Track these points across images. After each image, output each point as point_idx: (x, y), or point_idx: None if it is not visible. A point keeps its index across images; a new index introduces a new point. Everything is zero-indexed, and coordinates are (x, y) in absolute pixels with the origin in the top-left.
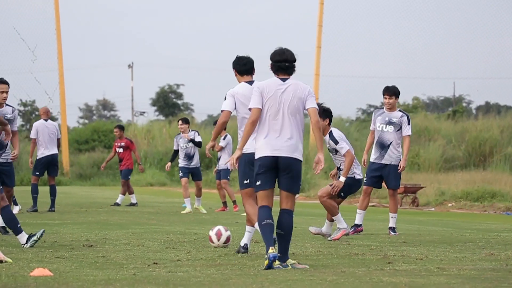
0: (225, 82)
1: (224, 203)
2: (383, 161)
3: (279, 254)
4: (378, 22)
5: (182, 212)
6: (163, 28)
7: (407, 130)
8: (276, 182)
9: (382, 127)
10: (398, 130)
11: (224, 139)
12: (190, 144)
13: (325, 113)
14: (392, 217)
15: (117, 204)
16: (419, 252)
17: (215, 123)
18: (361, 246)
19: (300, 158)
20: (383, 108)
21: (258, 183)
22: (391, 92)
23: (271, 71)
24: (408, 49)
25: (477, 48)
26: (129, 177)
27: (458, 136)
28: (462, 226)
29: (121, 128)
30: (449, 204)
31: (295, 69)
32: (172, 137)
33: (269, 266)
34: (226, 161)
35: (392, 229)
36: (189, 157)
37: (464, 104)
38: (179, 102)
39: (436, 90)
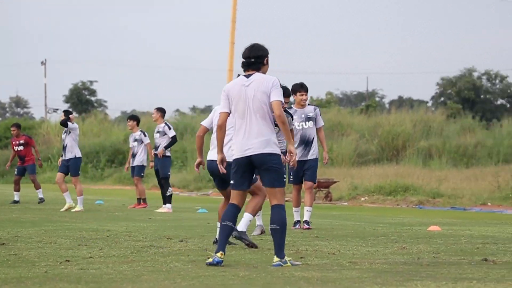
0: (139, 78)
1: (143, 199)
2: (308, 157)
3: (277, 260)
4: (292, 17)
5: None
6: (76, 24)
7: (321, 122)
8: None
9: (302, 124)
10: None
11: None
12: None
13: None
14: (307, 210)
15: (16, 202)
16: (332, 246)
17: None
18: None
19: (274, 151)
20: (291, 107)
21: (232, 182)
22: (306, 88)
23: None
24: (323, 45)
25: (390, 43)
26: (36, 171)
27: (371, 130)
28: (374, 220)
29: (18, 126)
30: (362, 199)
31: (264, 63)
32: (85, 134)
33: (210, 264)
34: (141, 158)
35: (307, 222)
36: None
37: (377, 99)
38: (93, 98)
39: (349, 85)
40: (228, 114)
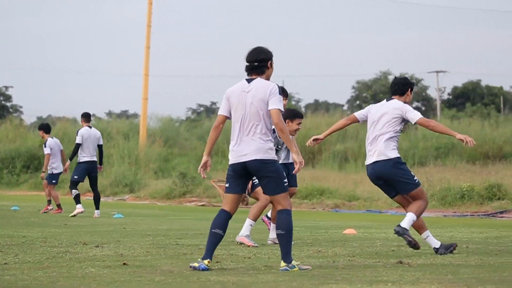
0: (53, 83)
1: (57, 205)
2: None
3: (284, 265)
4: (207, 21)
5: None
6: None
7: None
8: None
9: None
10: None
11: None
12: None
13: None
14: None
15: None
16: (247, 250)
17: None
18: (189, 246)
19: (270, 157)
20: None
21: (227, 185)
22: (286, 93)
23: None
24: (238, 48)
25: (305, 47)
26: None
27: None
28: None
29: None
30: None
31: (268, 67)
32: (0, 139)
33: (195, 268)
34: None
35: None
36: None
37: (293, 103)
38: (8, 104)
39: None
40: (226, 117)
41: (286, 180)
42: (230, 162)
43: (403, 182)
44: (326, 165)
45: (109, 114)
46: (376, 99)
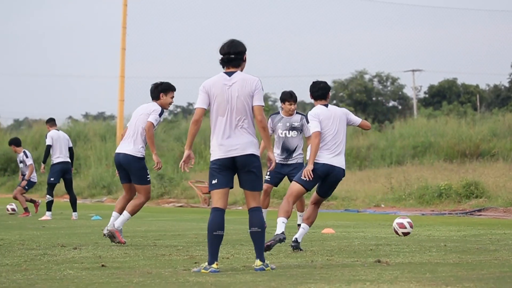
0: (30, 86)
1: (25, 208)
2: (288, 162)
3: (260, 264)
4: (183, 23)
5: None
6: None
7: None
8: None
9: (285, 133)
10: (300, 133)
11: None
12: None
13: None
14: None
15: None
16: (226, 251)
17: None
18: (167, 247)
19: (257, 153)
20: (279, 113)
21: (214, 181)
22: (295, 98)
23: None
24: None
25: (282, 47)
26: None
27: None
28: (269, 223)
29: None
30: None
31: (243, 59)
32: None
33: (197, 271)
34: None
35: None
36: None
37: (269, 103)
38: None
39: None
40: (205, 110)
41: (262, 177)
42: (217, 157)
43: None
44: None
45: (86, 116)
46: (352, 98)
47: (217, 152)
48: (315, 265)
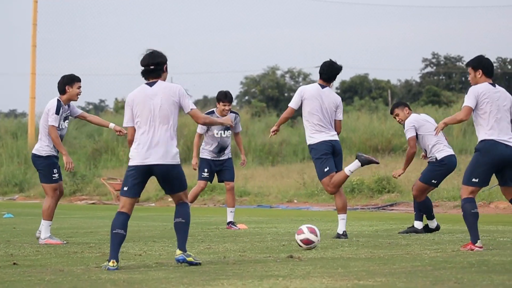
0: None
1: None
2: (221, 158)
3: (180, 255)
4: (93, 19)
5: None
6: None
7: (239, 127)
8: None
9: (221, 133)
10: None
11: None
12: None
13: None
14: (231, 211)
15: None
16: (139, 248)
17: None
18: (80, 244)
19: (175, 162)
20: (213, 112)
21: (125, 188)
22: (230, 99)
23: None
24: (126, 46)
25: (193, 43)
26: None
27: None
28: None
29: None
30: (169, 199)
31: (164, 70)
32: None
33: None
34: None
35: (232, 223)
36: None
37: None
38: None
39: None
40: (135, 128)
41: (185, 178)
42: (134, 164)
43: None
44: None
45: None
46: (264, 94)
47: (135, 158)
48: (228, 261)
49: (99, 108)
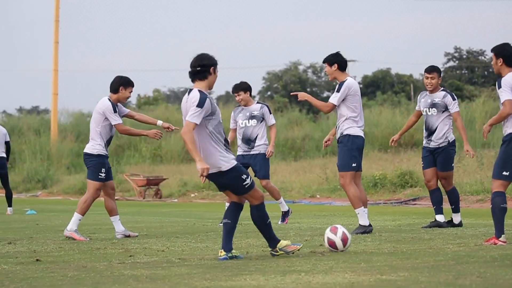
0: None
1: None
2: (251, 152)
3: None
4: (116, 15)
5: None
6: None
7: (271, 120)
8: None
9: (245, 122)
10: (261, 122)
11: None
12: None
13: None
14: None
15: None
16: (161, 243)
17: None
18: (103, 241)
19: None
20: (239, 106)
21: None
22: (241, 88)
23: None
24: (148, 42)
25: (214, 39)
26: None
27: None
28: (204, 216)
29: None
30: (192, 195)
31: (210, 72)
32: None
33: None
34: None
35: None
36: None
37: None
38: None
39: (176, 81)
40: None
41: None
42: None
43: None
44: None
45: (20, 110)
46: (287, 89)
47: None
48: (250, 256)
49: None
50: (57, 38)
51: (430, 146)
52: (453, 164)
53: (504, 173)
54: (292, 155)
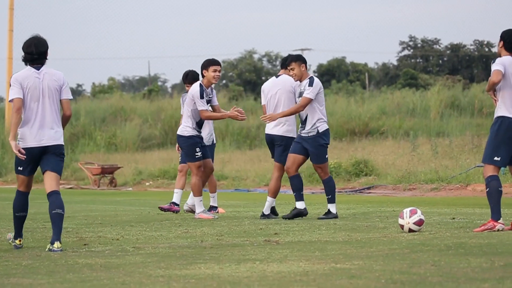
0: None
1: None
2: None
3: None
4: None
5: None
6: None
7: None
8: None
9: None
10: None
11: None
12: None
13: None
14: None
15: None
16: (116, 232)
17: None
18: None
19: (63, 142)
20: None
21: (21, 168)
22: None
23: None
24: (104, 30)
25: (170, 27)
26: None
27: (154, 115)
28: (159, 204)
29: None
30: (147, 183)
31: (47, 58)
32: None
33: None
34: None
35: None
36: None
37: (159, 83)
38: None
39: (131, 70)
40: (22, 99)
41: None
42: (28, 146)
43: None
44: None
45: None
46: (242, 78)
47: (27, 140)
48: (205, 245)
49: (76, 93)
50: (12, 26)
51: (302, 135)
52: (327, 156)
53: (496, 158)
54: (247, 143)
